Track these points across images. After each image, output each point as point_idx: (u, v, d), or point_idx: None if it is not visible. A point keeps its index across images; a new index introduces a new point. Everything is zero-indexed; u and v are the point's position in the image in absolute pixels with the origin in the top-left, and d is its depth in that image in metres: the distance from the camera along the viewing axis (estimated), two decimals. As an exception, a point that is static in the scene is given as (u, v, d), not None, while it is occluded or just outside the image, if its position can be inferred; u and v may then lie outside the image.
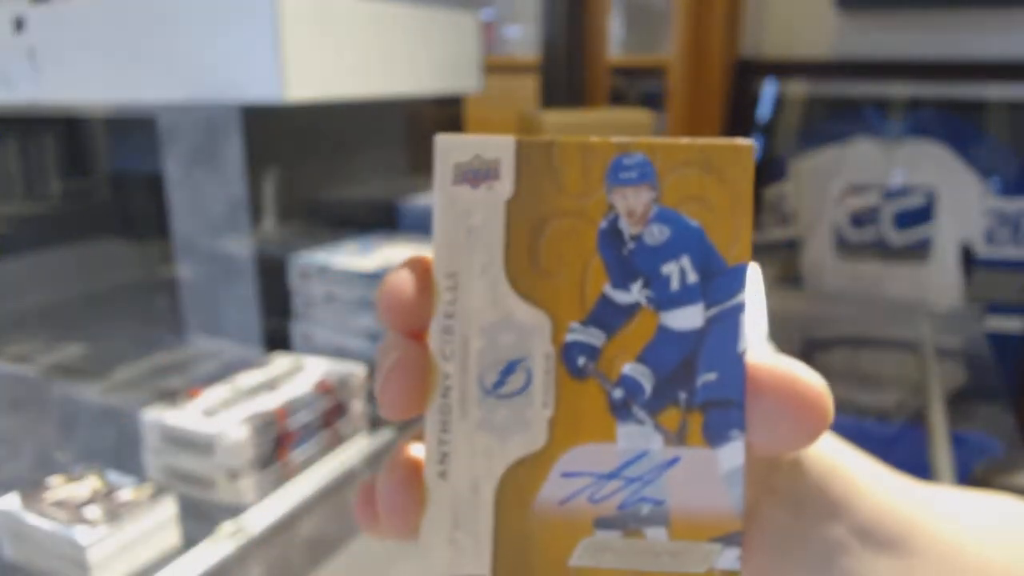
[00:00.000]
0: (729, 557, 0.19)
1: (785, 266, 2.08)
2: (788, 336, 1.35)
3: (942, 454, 0.79)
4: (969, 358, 1.18)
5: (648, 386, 0.19)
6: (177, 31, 0.68)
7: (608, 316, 0.19)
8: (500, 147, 0.19)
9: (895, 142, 1.96)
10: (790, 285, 2.04)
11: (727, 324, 0.19)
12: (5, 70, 0.76)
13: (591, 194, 0.19)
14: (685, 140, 0.19)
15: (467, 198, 0.19)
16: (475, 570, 0.19)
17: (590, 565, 0.19)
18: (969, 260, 1.90)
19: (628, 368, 0.19)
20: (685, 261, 0.19)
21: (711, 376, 0.19)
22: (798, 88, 2.06)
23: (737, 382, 0.19)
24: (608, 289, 0.19)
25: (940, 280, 1.93)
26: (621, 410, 0.19)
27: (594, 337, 0.19)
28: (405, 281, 0.19)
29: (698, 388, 0.19)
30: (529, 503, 0.20)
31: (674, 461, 0.19)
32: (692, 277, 0.19)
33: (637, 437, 0.19)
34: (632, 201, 0.19)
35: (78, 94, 0.75)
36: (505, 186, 0.19)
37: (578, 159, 0.19)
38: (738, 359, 0.19)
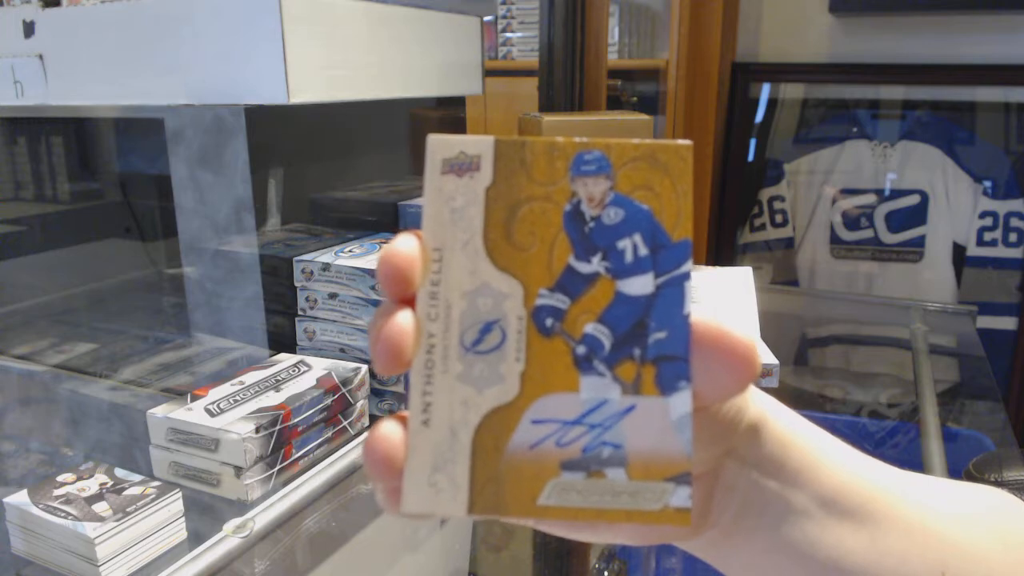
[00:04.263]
0: (681, 495, 0.21)
1: (781, 266, 2.09)
2: (783, 335, 1.36)
3: (935, 450, 0.80)
4: (961, 356, 1.19)
5: (607, 343, 0.22)
6: (184, 36, 0.69)
7: (572, 283, 0.22)
8: (481, 145, 0.22)
9: (888, 144, 1.97)
10: (785, 284, 2.06)
11: (674, 290, 0.22)
12: (15, 74, 0.77)
13: (557, 183, 0.22)
14: (635, 140, 0.22)
15: (452, 186, 0.22)
16: (453, 510, 0.21)
17: (557, 504, 0.21)
18: (961, 260, 1.92)
19: (590, 327, 0.22)
20: (637, 237, 0.22)
21: (661, 334, 0.22)
22: (793, 91, 2.08)
23: (683, 339, 0.22)
24: (572, 261, 0.22)
25: (933, 279, 1.95)
26: (584, 364, 0.22)
27: (560, 301, 0.22)
28: (400, 253, 0.22)
29: (650, 345, 0.22)
30: (502, 448, 0.22)
31: (630, 409, 0.22)
32: (643, 250, 0.22)
33: (598, 387, 0.22)
34: (592, 188, 0.22)
35: (86, 98, 0.76)
36: (485, 176, 0.22)
37: (546, 154, 0.22)
38: (684, 319, 0.22)
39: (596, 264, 0.22)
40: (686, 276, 0.22)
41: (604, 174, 0.22)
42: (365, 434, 0.74)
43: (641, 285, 0.22)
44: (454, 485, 0.21)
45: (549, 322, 0.22)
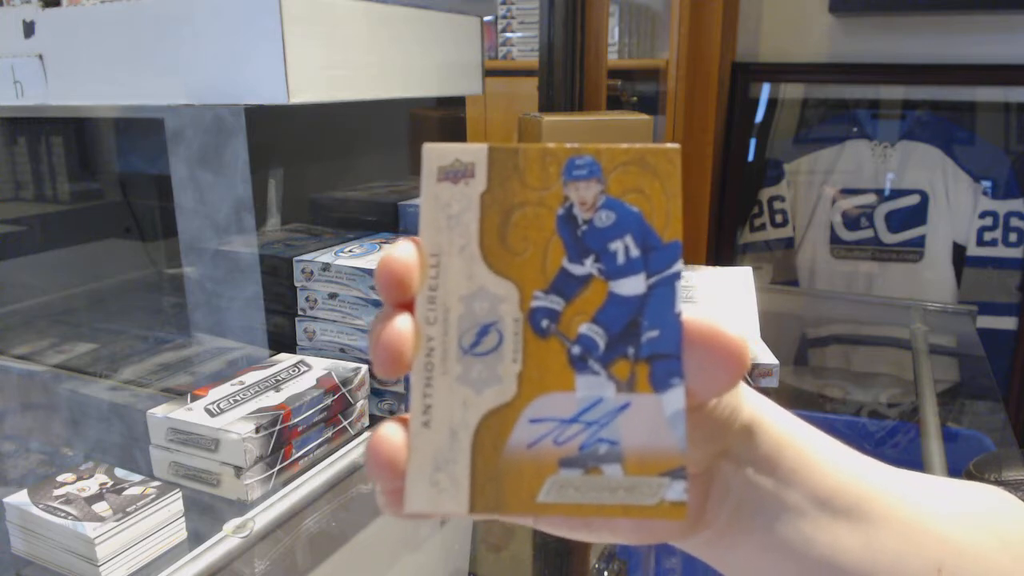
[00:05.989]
0: (676, 489, 0.22)
1: (781, 266, 2.09)
2: (783, 335, 1.36)
3: (935, 450, 0.80)
4: (961, 356, 1.19)
5: (601, 343, 0.23)
6: (184, 36, 0.69)
7: (566, 285, 0.23)
8: (475, 152, 0.23)
9: (888, 144, 1.97)
10: (785, 284, 2.06)
11: (666, 289, 0.23)
12: (15, 74, 0.77)
13: (550, 187, 0.23)
14: (625, 144, 0.23)
15: (448, 193, 0.23)
16: (454, 508, 0.22)
17: (556, 500, 0.22)
18: (961, 260, 1.92)
19: (584, 328, 0.23)
20: (628, 239, 0.23)
21: (654, 333, 0.22)
22: (793, 91, 2.08)
23: (675, 337, 0.22)
24: (566, 263, 0.23)
25: (933, 279, 1.95)
26: (579, 363, 0.22)
27: (555, 303, 0.23)
28: (398, 260, 0.22)
29: (643, 343, 0.22)
30: (501, 447, 0.22)
31: (625, 406, 0.22)
32: (635, 252, 0.23)
33: (593, 386, 0.22)
34: (583, 192, 0.23)
35: (86, 98, 0.76)
36: (479, 183, 0.23)
37: (539, 160, 0.23)
38: (676, 318, 0.22)
39: (589, 266, 0.23)
40: (677, 276, 0.22)
41: (595, 178, 0.23)
42: (365, 434, 0.74)
43: (633, 285, 0.23)
44: (455, 484, 0.22)
45: (545, 323, 0.22)
